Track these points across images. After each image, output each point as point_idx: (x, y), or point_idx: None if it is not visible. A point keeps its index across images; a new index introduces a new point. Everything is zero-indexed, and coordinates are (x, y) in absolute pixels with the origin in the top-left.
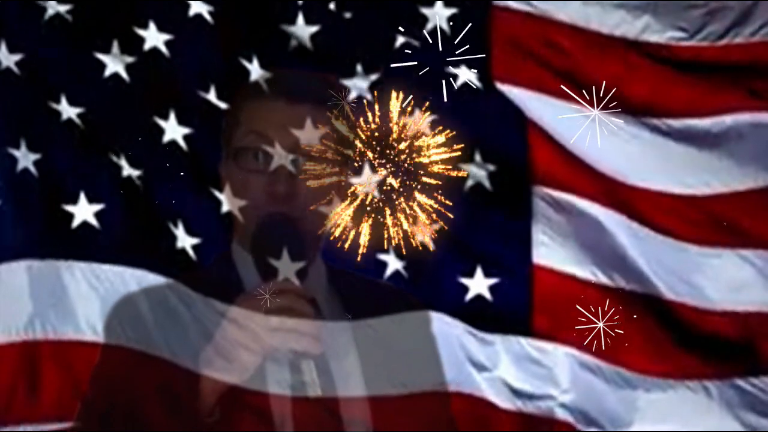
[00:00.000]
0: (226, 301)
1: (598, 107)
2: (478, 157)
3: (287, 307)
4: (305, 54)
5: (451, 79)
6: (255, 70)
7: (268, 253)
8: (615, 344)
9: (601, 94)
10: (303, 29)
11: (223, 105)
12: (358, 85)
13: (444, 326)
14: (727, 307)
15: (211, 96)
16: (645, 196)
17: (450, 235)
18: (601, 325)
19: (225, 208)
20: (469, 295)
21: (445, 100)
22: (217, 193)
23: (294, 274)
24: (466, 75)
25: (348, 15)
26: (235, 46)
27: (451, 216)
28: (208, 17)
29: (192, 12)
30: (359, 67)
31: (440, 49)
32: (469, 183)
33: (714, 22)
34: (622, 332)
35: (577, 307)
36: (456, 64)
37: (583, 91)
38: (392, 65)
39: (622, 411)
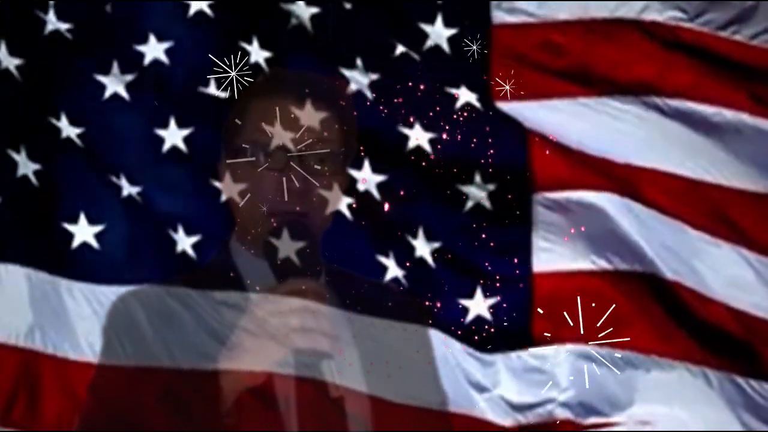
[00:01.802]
0: (224, 290)
1: (596, 95)
2: (478, 179)
3: (306, 308)
4: (304, 34)
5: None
6: (255, 52)
7: (269, 233)
8: (616, 328)
9: (600, 80)
10: (303, 9)
11: (223, 95)
12: (357, 80)
13: (443, 348)
14: (727, 302)
15: (211, 89)
16: (645, 175)
17: (449, 257)
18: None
19: (224, 196)
20: (469, 317)
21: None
22: (216, 184)
23: (294, 253)
24: (466, 96)
25: (348, 6)
26: (235, 32)
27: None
28: (208, 11)
29: (192, 11)
30: (359, 61)
31: (440, 68)
32: (469, 204)
33: (714, 10)
34: (623, 315)
35: (578, 300)
36: (456, 85)
37: (582, 82)
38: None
39: (621, 393)
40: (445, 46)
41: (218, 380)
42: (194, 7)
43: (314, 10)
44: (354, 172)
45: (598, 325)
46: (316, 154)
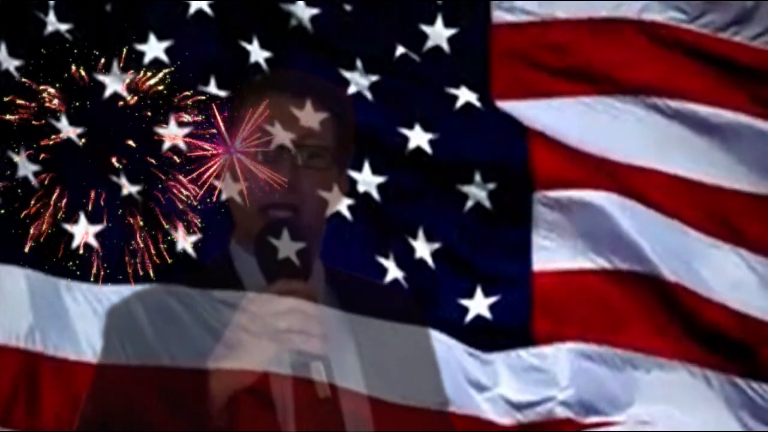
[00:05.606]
0: (224, 289)
1: (597, 94)
2: (477, 178)
3: (295, 309)
4: (304, 35)
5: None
6: (255, 51)
7: (269, 233)
8: (616, 327)
9: (601, 79)
10: (303, 10)
11: (223, 93)
12: (357, 81)
13: (443, 348)
14: (727, 303)
15: (212, 88)
16: (645, 175)
17: (450, 257)
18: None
19: (224, 195)
20: (469, 317)
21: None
22: (216, 183)
23: (294, 254)
24: (466, 96)
25: (348, 7)
26: (236, 32)
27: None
28: (208, 10)
29: (192, 10)
30: (359, 63)
31: (440, 68)
32: (469, 204)
33: (714, 12)
34: (623, 314)
35: (578, 299)
36: (456, 85)
37: (583, 81)
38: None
39: (622, 393)
40: (445, 46)
41: (213, 378)
42: (194, 7)
43: (314, 11)
44: (354, 174)
45: (597, 323)
46: (314, 152)
